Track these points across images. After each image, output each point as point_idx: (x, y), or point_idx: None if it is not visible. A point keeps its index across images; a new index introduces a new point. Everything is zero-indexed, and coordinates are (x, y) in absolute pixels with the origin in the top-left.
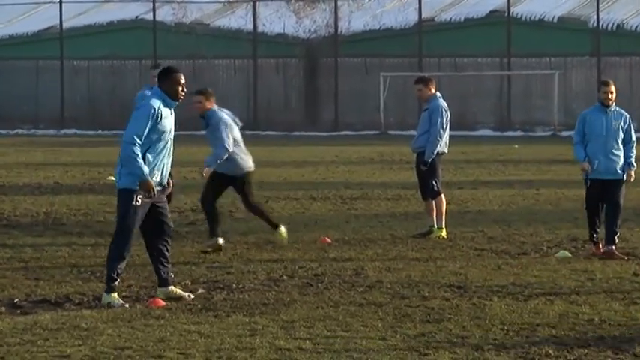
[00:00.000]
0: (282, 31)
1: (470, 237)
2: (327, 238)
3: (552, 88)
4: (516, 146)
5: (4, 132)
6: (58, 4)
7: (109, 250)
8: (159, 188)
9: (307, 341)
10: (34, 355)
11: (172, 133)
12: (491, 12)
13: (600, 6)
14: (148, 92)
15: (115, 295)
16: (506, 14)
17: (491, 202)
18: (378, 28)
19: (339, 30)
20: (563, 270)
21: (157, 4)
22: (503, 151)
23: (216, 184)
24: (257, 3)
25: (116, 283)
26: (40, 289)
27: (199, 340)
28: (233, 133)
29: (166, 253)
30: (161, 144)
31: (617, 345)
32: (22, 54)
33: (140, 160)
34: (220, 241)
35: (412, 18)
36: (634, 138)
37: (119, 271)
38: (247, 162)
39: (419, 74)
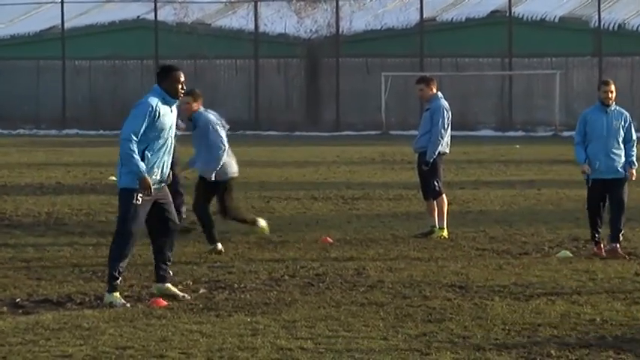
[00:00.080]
0: (283, 31)
1: (471, 237)
2: (328, 238)
3: (554, 88)
4: (518, 146)
5: (5, 132)
6: (60, 4)
7: (110, 249)
8: (157, 186)
9: (309, 341)
10: (36, 355)
11: (173, 130)
12: (492, 12)
13: (602, 6)
14: None
15: (117, 294)
16: (507, 14)
17: (493, 202)
18: (379, 28)
19: (340, 30)
20: (564, 270)
21: (158, 4)
22: (505, 151)
23: (205, 189)
24: (258, 3)
25: (118, 282)
26: (41, 288)
27: (201, 340)
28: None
29: (168, 250)
30: (160, 142)
31: (618, 345)
32: (24, 54)
33: (137, 157)
34: (219, 246)
35: (413, 18)
36: (634, 137)
37: (120, 271)
38: (232, 167)
39: (420, 74)
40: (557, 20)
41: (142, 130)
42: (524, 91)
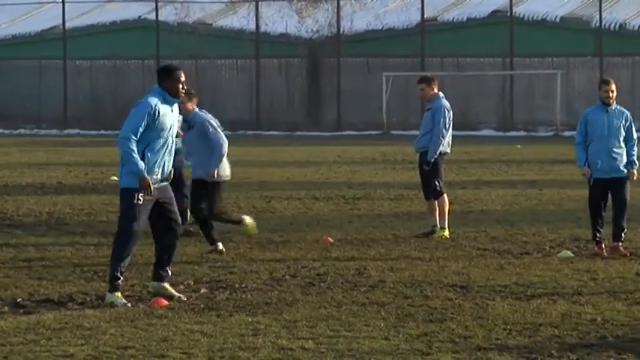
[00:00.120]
0: (284, 31)
1: (472, 237)
2: (329, 238)
3: (555, 88)
4: (519, 146)
5: (6, 132)
6: (61, 4)
7: (112, 249)
8: (158, 185)
9: (310, 341)
10: (37, 355)
11: (174, 130)
12: (493, 12)
13: (603, 6)
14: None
15: (119, 294)
16: (508, 14)
17: (494, 202)
18: (380, 27)
19: (341, 30)
20: (565, 270)
21: (159, 4)
22: (506, 151)
23: (201, 190)
24: (259, 3)
25: (119, 282)
26: (43, 288)
27: (202, 340)
28: None
29: (171, 251)
30: (160, 141)
31: (619, 345)
32: (25, 54)
33: (136, 156)
34: (220, 246)
35: (415, 18)
36: (635, 136)
37: (122, 270)
38: (226, 170)
39: (421, 74)
40: (558, 20)
41: (141, 130)
42: (525, 91)
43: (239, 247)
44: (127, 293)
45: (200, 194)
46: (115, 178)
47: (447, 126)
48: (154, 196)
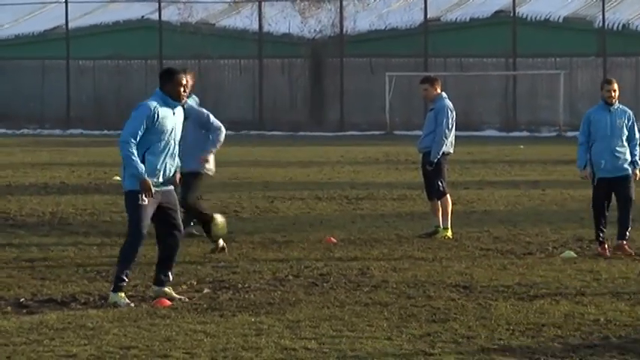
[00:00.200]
0: (287, 31)
1: (475, 237)
2: (332, 238)
3: (558, 88)
4: (522, 146)
5: (10, 132)
6: (64, 4)
7: (120, 250)
8: (159, 188)
9: (313, 341)
10: (40, 355)
11: (176, 134)
12: (496, 12)
13: (606, 6)
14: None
15: (122, 294)
16: (511, 14)
17: (497, 203)
18: (383, 28)
19: (344, 30)
20: (568, 270)
21: (162, 4)
22: (509, 152)
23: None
24: (262, 3)
25: (124, 283)
26: (46, 288)
27: (205, 340)
28: None
29: (171, 256)
30: (161, 145)
31: (623, 345)
32: (28, 54)
33: (136, 159)
34: (221, 242)
35: (418, 18)
36: (638, 136)
37: (128, 272)
38: (211, 164)
39: (424, 74)
40: (561, 20)
41: (140, 133)
42: (528, 91)
43: (242, 247)
44: (129, 293)
45: (194, 189)
46: (118, 178)
47: (450, 126)
48: (156, 199)
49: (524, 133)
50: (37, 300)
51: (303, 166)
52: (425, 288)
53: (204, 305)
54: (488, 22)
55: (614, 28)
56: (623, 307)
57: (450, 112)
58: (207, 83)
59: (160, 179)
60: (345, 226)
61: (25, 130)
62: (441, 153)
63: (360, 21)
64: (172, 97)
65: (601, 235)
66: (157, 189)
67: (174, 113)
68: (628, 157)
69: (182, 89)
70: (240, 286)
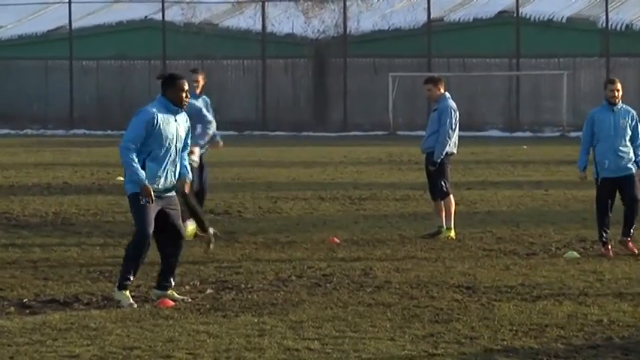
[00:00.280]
0: (290, 32)
1: (479, 237)
2: (335, 239)
3: (561, 88)
4: (525, 147)
5: (13, 132)
6: (67, 4)
7: (126, 249)
8: (160, 194)
9: (316, 342)
10: (43, 355)
11: (178, 140)
12: (500, 12)
13: (609, 6)
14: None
15: (127, 293)
16: (515, 15)
17: (500, 203)
18: (386, 28)
19: (347, 30)
20: (571, 271)
21: (166, 5)
22: (512, 152)
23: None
24: (266, 3)
25: (129, 282)
26: (48, 289)
27: (208, 341)
28: None
29: (175, 259)
30: (162, 151)
31: (626, 346)
32: (31, 54)
33: (135, 165)
34: (212, 230)
35: (421, 18)
36: None
37: (134, 272)
38: (196, 156)
39: (428, 74)
40: (564, 21)
41: (141, 139)
42: (531, 91)
43: (245, 247)
44: (132, 294)
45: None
46: (121, 178)
47: (454, 126)
48: (158, 204)
49: (528, 134)
50: (40, 300)
51: (306, 166)
52: (428, 288)
53: (207, 306)
54: (492, 22)
55: (618, 28)
56: (626, 307)
57: (453, 113)
58: (211, 83)
59: (160, 186)
60: (348, 227)
61: (29, 131)
62: (444, 153)
63: (364, 21)
64: (174, 103)
65: (604, 235)
66: (156, 194)
67: (175, 119)
68: (632, 156)
69: (184, 95)
70: (243, 286)
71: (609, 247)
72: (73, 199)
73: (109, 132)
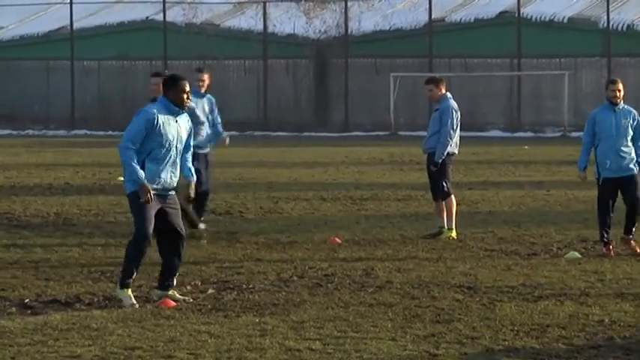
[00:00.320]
0: (292, 32)
1: (480, 238)
2: (337, 239)
3: (562, 88)
4: (526, 147)
5: (14, 132)
6: (69, 5)
7: (126, 249)
8: (160, 193)
9: (317, 342)
10: (45, 356)
11: (179, 141)
12: (501, 13)
13: (611, 6)
14: (191, 96)
15: (129, 292)
16: (516, 15)
17: (502, 203)
18: (388, 28)
19: (349, 30)
20: (573, 271)
21: (167, 5)
22: (514, 152)
23: None
24: (267, 4)
25: (130, 280)
26: (50, 289)
27: (209, 341)
28: None
29: (177, 259)
30: (162, 151)
31: (627, 346)
32: (33, 54)
33: (135, 164)
34: (202, 226)
35: (422, 18)
36: None
37: (135, 270)
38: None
39: (429, 75)
40: (566, 21)
41: (139, 139)
42: (532, 91)
43: (246, 247)
44: (134, 294)
45: None
46: (122, 179)
47: (455, 127)
48: (157, 203)
49: (529, 134)
50: (42, 301)
51: (307, 166)
52: (429, 289)
53: (209, 306)
54: (493, 22)
55: (619, 28)
56: (627, 307)
57: (454, 113)
58: (212, 84)
59: (160, 186)
60: (349, 227)
61: (30, 131)
62: (445, 153)
63: (365, 22)
64: (175, 104)
65: (605, 235)
66: (157, 194)
67: (176, 120)
68: (633, 157)
69: (185, 96)
70: (244, 286)
71: (611, 247)
72: (74, 200)
73: (111, 132)
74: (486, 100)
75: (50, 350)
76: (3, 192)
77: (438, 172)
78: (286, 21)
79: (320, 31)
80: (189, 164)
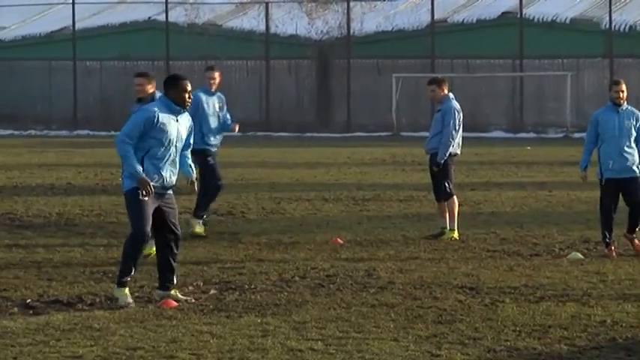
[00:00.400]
0: (294, 32)
1: (482, 238)
2: (339, 239)
3: (565, 89)
4: (529, 148)
5: (17, 132)
6: (71, 5)
7: (123, 248)
8: (158, 191)
9: (319, 342)
10: (46, 356)
11: (179, 140)
12: (503, 13)
13: (613, 7)
14: (202, 94)
15: (126, 291)
16: (518, 15)
17: (504, 204)
18: (390, 29)
19: (351, 31)
20: (575, 272)
21: (169, 5)
22: (516, 153)
23: None
24: (269, 4)
25: (128, 279)
26: (52, 289)
27: (211, 341)
28: None
29: (172, 258)
30: (160, 150)
31: (629, 347)
32: (35, 54)
33: (132, 157)
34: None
35: (424, 19)
36: None
37: (133, 269)
38: None
39: (431, 75)
40: (568, 22)
41: (137, 134)
42: (535, 92)
43: (248, 248)
44: (136, 294)
45: None
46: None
47: (457, 127)
48: (155, 201)
49: (531, 135)
50: (44, 301)
51: (309, 167)
52: (431, 289)
53: (211, 306)
54: (495, 23)
55: (621, 29)
56: (629, 308)
57: (457, 114)
58: None
59: (158, 183)
60: (351, 228)
61: (32, 131)
62: (448, 154)
63: (367, 22)
64: (176, 103)
65: (608, 236)
66: (155, 192)
67: (177, 120)
68: (636, 159)
69: (187, 95)
70: (246, 287)
71: (613, 248)
72: (76, 200)
73: (113, 133)
74: (489, 100)
75: (52, 350)
76: (5, 192)
77: (440, 172)
78: (288, 21)
79: (322, 31)
80: (189, 161)
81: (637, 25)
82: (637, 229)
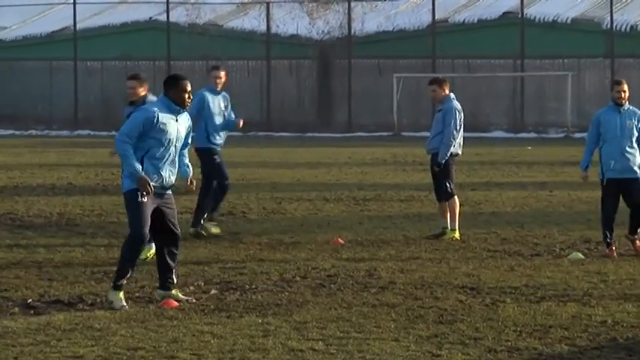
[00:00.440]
0: (295, 32)
1: (483, 238)
2: (340, 239)
3: (566, 89)
4: (529, 148)
5: (17, 132)
6: (72, 5)
7: (121, 249)
8: (158, 191)
9: (320, 342)
10: (47, 356)
11: (179, 140)
12: (504, 13)
13: (614, 7)
14: (207, 93)
15: (121, 294)
16: (519, 15)
17: (505, 204)
18: (391, 29)
19: (352, 31)
20: (576, 272)
21: (170, 5)
22: (517, 153)
23: None
24: (270, 4)
25: (124, 281)
26: (53, 289)
27: (212, 341)
28: None
29: (172, 258)
30: (160, 150)
31: (630, 347)
32: (36, 55)
33: (131, 156)
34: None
35: (426, 19)
36: None
37: (130, 271)
38: None
39: (432, 75)
40: (569, 22)
41: (136, 134)
42: (536, 92)
43: (249, 248)
44: (136, 294)
45: None
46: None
47: (458, 127)
48: (154, 201)
49: (532, 135)
50: (45, 301)
51: (310, 167)
52: (432, 289)
53: (212, 306)
54: (496, 23)
55: (622, 29)
56: (630, 308)
57: (457, 114)
58: None
59: (158, 183)
60: (352, 228)
61: (33, 131)
62: (449, 154)
63: (368, 22)
64: (176, 103)
65: (609, 236)
66: (154, 192)
67: (176, 119)
68: (638, 159)
69: (187, 95)
70: (247, 287)
71: (613, 248)
72: (77, 200)
73: (114, 133)
74: (489, 100)
75: (53, 350)
76: (6, 192)
77: (441, 172)
78: (289, 21)
79: (323, 31)
80: (187, 160)
81: (638, 25)
82: (639, 230)
